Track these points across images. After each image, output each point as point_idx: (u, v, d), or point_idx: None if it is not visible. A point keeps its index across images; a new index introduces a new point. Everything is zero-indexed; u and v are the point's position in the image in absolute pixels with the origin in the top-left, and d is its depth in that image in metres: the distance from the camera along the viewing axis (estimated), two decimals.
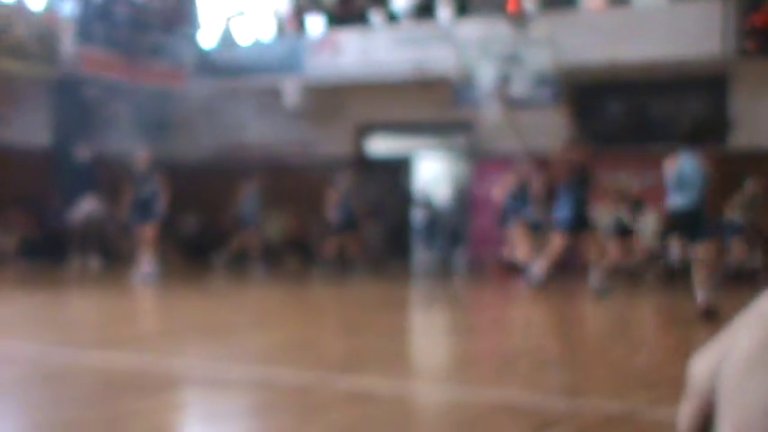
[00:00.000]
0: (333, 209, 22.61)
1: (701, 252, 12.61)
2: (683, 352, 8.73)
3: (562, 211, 15.72)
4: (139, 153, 19.90)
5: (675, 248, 17.88)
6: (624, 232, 18.73)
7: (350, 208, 22.73)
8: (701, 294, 12.16)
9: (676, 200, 12.62)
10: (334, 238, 22.79)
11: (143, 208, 19.02)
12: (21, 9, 24.01)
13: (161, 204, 19.36)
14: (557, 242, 15.76)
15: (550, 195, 16.87)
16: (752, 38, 20.85)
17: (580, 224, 15.66)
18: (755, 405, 1.04)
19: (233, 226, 24.22)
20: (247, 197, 23.14)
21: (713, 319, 11.73)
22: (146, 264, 18.17)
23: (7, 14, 23.26)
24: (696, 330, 11.30)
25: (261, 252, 22.81)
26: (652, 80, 22.83)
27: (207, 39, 27.85)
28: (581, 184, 15.69)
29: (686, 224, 12.66)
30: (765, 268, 19.08)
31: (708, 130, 13.00)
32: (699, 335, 10.49)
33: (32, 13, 24.23)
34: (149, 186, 19.19)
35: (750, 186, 18.85)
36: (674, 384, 6.59)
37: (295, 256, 26.02)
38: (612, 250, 16.22)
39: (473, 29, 23.59)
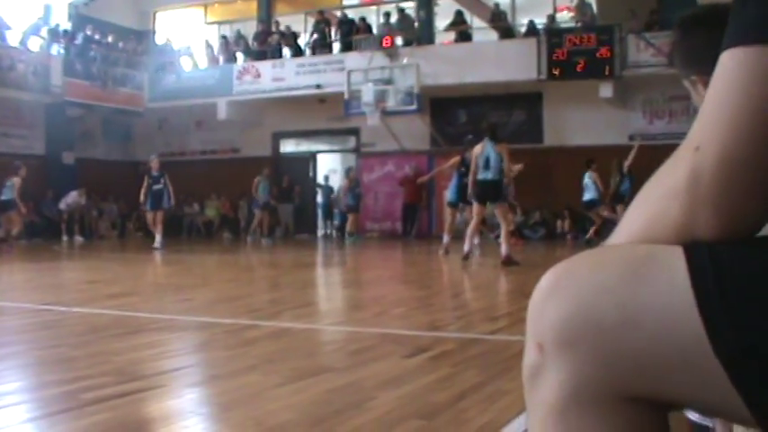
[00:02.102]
0: (255, 192, 22.79)
1: (500, 211, 13.46)
2: (517, 293, 8.85)
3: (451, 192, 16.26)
4: (152, 158, 19.86)
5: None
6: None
7: (267, 191, 22.88)
8: (504, 246, 12.99)
9: (485, 174, 13.10)
10: (258, 214, 22.80)
11: (156, 199, 19.37)
12: (22, 51, 23.77)
13: (170, 196, 19.97)
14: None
15: None
16: (556, 67, 21.23)
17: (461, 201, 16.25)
18: (549, 325, 1.07)
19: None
20: (259, 186, 22.86)
21: (512, 265, 12.56)
22: (159, 238, 19.03)
23: (11, 55, 22.94)
24: (528, 276, 11.42)
25: (268, 227, 22.91)
26: (488, 96, 23.05)
27: (159, 69, 27.45)
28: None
29: (490, 192, 13.22)
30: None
31: (497, 128, 13.61)
32: (530, 280, 10.57)
33: (31, 54, 23.94)
34: (160, 183, 19.33)
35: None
36: (510, 318, 6.67)
37: (227, 230, 25.93)
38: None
39: (358, 59, 23.62)
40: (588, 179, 18.70)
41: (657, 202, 1.10)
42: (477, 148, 13.44)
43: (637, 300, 1.03)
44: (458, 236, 16.01)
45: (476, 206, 13.76)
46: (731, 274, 1.00)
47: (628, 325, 1.03)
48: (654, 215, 1.10)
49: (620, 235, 1.16)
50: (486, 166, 13.12)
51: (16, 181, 19.43)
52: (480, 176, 13.23)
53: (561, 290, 1.09)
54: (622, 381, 1.05)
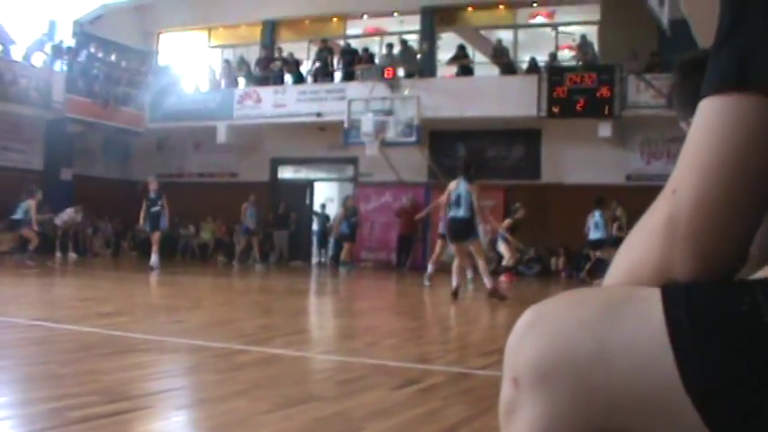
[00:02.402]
0: (243, 218, 22.70)
1: (474, 248, 13.43)
2: (508, 329, 8.83)
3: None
4: (151, 179, 19.52)
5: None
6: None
7: (254, 217, 22.72)
8: (486, 280, 12.98)
9: (456, 212, 13.09)
10: (243, 240, 22.70)
11: (153, 220, 19.10)
12: (25, 66, 23.85)
13: (167, 218, 19.77)
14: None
15: None
16: (557, 104, 21.33)
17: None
18: (525, 360, 1.09)
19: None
20: (246, 211, 22.71)
21: (498, 298, 12.73)
22: (155, 258, 18.69)
23: (14, 70, 23.01)
24: (521, 311, 11.40)
25: (260, 252, 22.38)
26: (488, 131, 23.13)
27: (160, 90, 27.54)
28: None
29: (461, 229, 13.14)
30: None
31: (472, 167, 13.50)
32: (520, 315, 10.55)
33: (33, 69, 24.02)
34: (158, 205, 19.03)
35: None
36: (500, 353, 6.65)
37: (222, 253, 25.90)
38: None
39: (359, 88, 23.71)
40: (599, 218, 18.46)
41: (639, 244, 1.12)
42: (452, 185, 13.41)
43: (612, 337, 1.05)
44: (445, 268, 16.00)
45: (453, 246, 13.72)
46: (705, 315, 1.02)
47: (602, 361, 1.05)
48: (636, 258, 1.13)
49: (608, 278, 1.18)
50: (458, 203, 13.09)
51: (31, 204, 19.53)
52: (451, 214, 13.24)
53: (539, 326, 1.12)
54: (596, 416, 1.07)
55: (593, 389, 1.05)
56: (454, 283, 13.31)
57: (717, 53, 1.05)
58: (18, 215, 19.82)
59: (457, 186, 13.22)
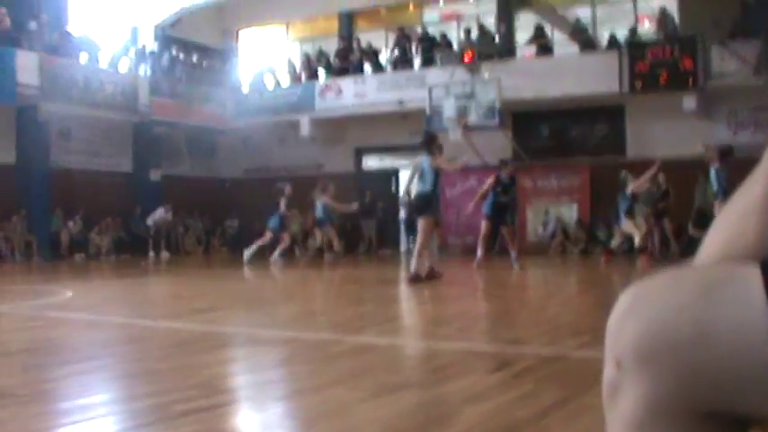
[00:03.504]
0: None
1: (422, 224, 13.02)
2: (601, 309, 8.74)
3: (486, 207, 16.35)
4: (286, 186, 21.32)
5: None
6: None
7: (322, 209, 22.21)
8: (414, 262, 12.96)
9: (422, 186, 12.94)
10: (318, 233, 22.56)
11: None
12: (111, 72, 24.33)
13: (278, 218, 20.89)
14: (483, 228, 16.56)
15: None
16: (638, 79, 20.99)
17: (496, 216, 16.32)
18: (627, 342, 1.09)
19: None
20: (320, 204, 22.55)
21: (423, 281, 12.66)
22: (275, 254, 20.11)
23: (101, 77, 23.50)
24: (614, 292, 11.30)
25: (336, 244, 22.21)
26: (570, 110, 22.90)
27: (243, 88, 27.88)
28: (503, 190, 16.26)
29: (420, 204, 12.96)
30: None
31: (433, 140, 13.25)
32: (615, 296, 10.45)
33: (118, 75, 24.50)
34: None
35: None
36: (594, 332, 6.61)
37: (310, 246, 26.05)
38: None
39: (439, 74, 23.68)
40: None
41: (735, 222, 1.10)
42: (416, 160, 13.48)
43: (712, 318, 1.04)
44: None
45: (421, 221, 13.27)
46: None
47: (703, 342, 1.04)
48: (732, 235, 1.11)
49: (701, 255, 1.17)
50: (422, 178, 12.98)
51: (325, 199, 20.93)
52: (417, 189, 13.20)
53: (638, 309, 1.11)
54: (698, 397, 1.06)
55: (696, 371, 1.05)
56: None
57: None
58: (318, 213, 21.16)
59: (420, 162, 13.21)
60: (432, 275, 13.01)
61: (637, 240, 16.89)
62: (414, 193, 13.43)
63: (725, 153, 16.10)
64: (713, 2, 20.95)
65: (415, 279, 12.66)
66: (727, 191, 15.11)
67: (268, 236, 20.93)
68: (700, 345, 1.04)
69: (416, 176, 13.20)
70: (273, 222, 21.03)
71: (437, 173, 12.90)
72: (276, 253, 20.73)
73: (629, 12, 23.73)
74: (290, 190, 20.98)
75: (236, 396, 4.58)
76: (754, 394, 1.03)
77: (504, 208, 16.21)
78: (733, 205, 1.14)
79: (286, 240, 21.21)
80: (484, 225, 16.48)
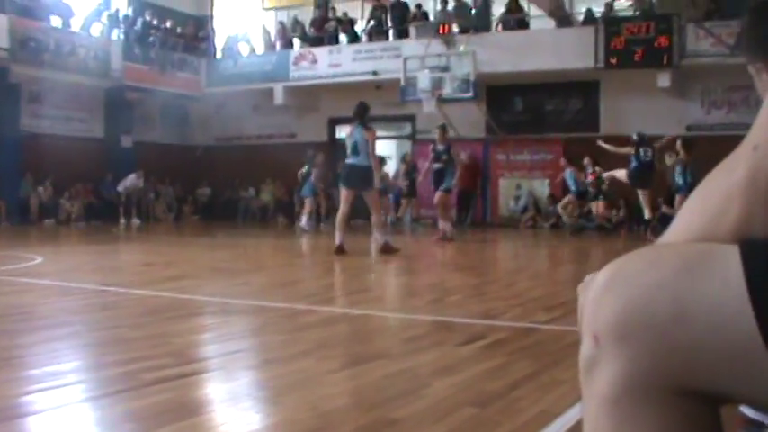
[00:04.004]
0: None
1: (370, 199, 13.01)
2: (572, 283, 8.79)
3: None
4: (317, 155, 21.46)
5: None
6: None
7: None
8: (377, 234, 13.18)
9: (353, 159, 12.74)
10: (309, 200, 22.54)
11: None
12: (83, 36, 24.10)
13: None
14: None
15: None
16: (614, 55, 21.03)
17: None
18: (605, 318, 1.09)
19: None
20: (308, 174, 22.43)
21: (391, 252, 12.66)
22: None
23: (73, 40, 23.26)
24: (585, 267, 11.38)
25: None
26: (545, 84, 22.92)
27: (216, 55, 27.73)
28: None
29: (359, 177, 12.69)
30: None
31: (366, 110, 13.17)
32: (587, 271, 10.51)
33: (91, 39, 24.28)
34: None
35: None
36: (565, 307, 6.66)
37: (282, 215, 26.03)
38: None
39: (414, 46, 23.60)
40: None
41: (716, 201, 1.11)
42: (348, 130, 13.19)
43: (691, 295, 1.05)
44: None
45: (343, 192, 13.21)
46: None
47: (681, 320, 1.05)
48: (712, 214, 1.11)
49: (677, 233, 1.17)
50: (355, 150, 12.75)
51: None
52: (348, 161, 12.90)
53: (617, 285, 1.12)
54: (674, 374, 1.07)
55: (673, 348, 1.06)
56: (338, 240, 12.83)
57: None
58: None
59: (352, 133, 12.97)
60: (388, 249, 12.97)
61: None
62: (346, 165, 13.00)
63: (688, 146, 16.24)
64: None
65: (386, 248, 12.70)
66: (691, 184, 15.29)
67: (308, 203, 21.79)
68: (677, 323, 1.05)
69: (348, 148, 12.90)
70: (306, 190, 21.95)
71: (368, 144, 12.79)
72: (304, 219, 21.24)
73: None
74: (322, 158, 22.16)
75: (207, 365, 4.59)
76: (729, 372, 1.04)
77: (439, 174, 16.21)
78: (710, 185, 1.14)
79: (311, 205, 21.88)
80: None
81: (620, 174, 17.20)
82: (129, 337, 5.27)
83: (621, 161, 17.52)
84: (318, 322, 6.07)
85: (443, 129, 16.86)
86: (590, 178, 19.72)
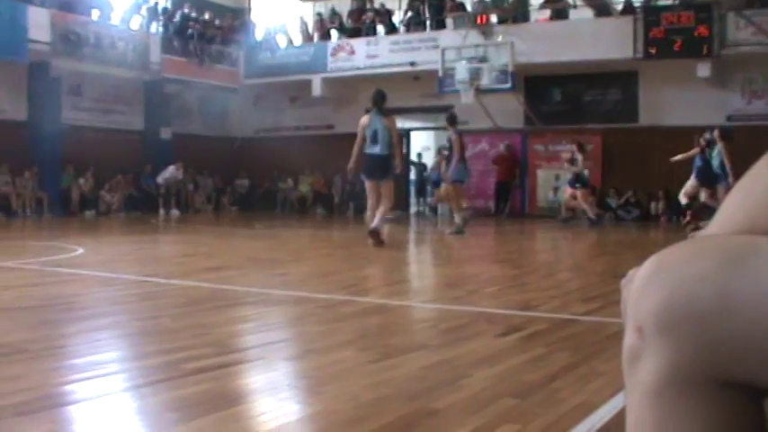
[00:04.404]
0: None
1: (385, 189, 12.53)
2: (610, 275, 8.76)
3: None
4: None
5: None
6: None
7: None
8: (377, 220, 12.36)
9: (373, 149, 12.40)
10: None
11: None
12: (123, 29, 24.28)
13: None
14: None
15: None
16: (653, 45, 20.86)
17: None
18: (649, 310, 1.10)
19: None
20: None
21: (377, 241, 12.16)
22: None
23: (112, 34, 23.44)
24: (622, 258, 11.33)
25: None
26: (583, 74, 22.81)
27: (255, 47, 27.80)
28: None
29: (378, 167, 12.40)
30: None
31: (384, 99, 12.83)
32: (624, 262, 10.49)
33: (130, 32, 24.45)
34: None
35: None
36: (603, 299, 6.63)
37: (321, 206, 26.11)
38: None
39: (452, 37, 23.56)
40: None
41: (759, 193, 1.11)
42: (365, 119, 12.74)
43: (735, 288, 1.05)
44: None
45: (367, 183, 12.87)
46: None
47: (725, 312, 1.05)
48: (755, 207, 1.11)
49: (720, 225, 1.17)
50: (374, 139, 12.43)
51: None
52: (368, 151, 12.54)
53: (661, 276, 1.12)
54: (718, 366, 1.07)
55: (717, 340, 1.06)
56: (375, 222, 12.44)
57: None
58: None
59: (371, 122, 12.60)
60: (374, 235, 12.52)
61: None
62: (366, 155, 12.60)
63: (725, 136, 16.09)
64: None
65: (375, 235, 12.27)
66: (723, 174, 15.27)
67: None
68: (722, 315, 1.05)
69: (368, 138, 12.53)
70: None
71: (390, 133, 12.54)
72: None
73: None
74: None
75: (248, 355, 4.61)
76: None
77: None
78: (754, 176, 1.14)
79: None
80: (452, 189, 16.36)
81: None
82: (169, 328, 5.31)
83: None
84: (357, 313, 6.08)
85: (447, 118, 16.52)
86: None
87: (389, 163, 12.56)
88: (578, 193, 19.43)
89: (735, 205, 1.16)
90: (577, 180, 19.50)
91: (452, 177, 15.86)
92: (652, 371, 1.12)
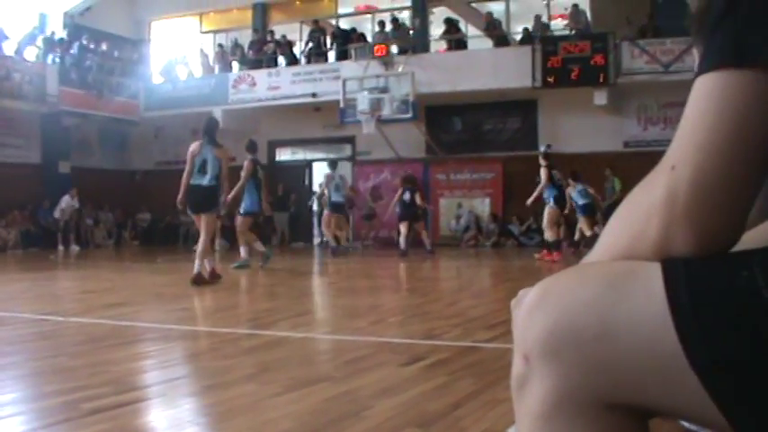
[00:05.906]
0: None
1: (205, 222, 11.81)
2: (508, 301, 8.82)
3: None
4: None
5: None
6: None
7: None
8: (197, 263, 11.65)
9: (200, 180, 11.64)
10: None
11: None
12: (18, 60, 23.82)
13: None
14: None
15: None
16: (551, 74, 21.30)
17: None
18: (534, 337, 1.13)
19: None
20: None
21: (203, 284, 11.49)
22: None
23: (7, 65, 22.99)
24: (524, 285, 11.43)
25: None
26: (483, 103, 23.14)
27: (154, 78, 27.54)
28: None
29: (204, 198, 11.72)
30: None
31: (215, 126, 12.08)
32: (523, 287, 10.55)
33: (26, 63, 24.00)
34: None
35: None
36: (506, 325, 6.69)
37: (224, 239, 25.86)
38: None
39: (353, 67, 23.69)
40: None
41: (637, 220, 1.14)
42: (194, 147, 11.81)
43: (615, 313, 1.08)
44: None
45: (194, 217, 12.25)
46: (705, 289, 1.05)
47: (607, 337, 1.08)
48: (634, 234, 1.15)
49: (602, 252, 1.21)
50: (203, 169, 11.66)
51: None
52: (195, 182, 11.70)
53: (546, 304, 1.15)
54: (603, 390, 1.11)
55: (600, 365, 1.09)
56: (196, 267, 11.71)
57: (712, 34, 1.08)
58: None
59: (200, 150, 11.75)
60: (213, 276, 11.94)
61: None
62: (193, 186, 11.75)
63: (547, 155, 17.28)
64: (624, 0, 21.37)
65: (198, 280, 11.53)
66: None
67: None
68: (603, 340, 1.08)
69: (196, 167, 11.71)
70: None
71: (220, 165, 11.72)
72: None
73: (542, 7, 24.02)
74: None
75: (148, 393, 4.55)
76: (655, 386, 1.08)
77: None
78: (631, 204, 1.17)
79: None
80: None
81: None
82: (68, 367, 5.20)
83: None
84: (259, 346, 6.05)
85: (246, 145, 15.99)
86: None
87: (216, 195, 11.80)
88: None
89: (615, 232, 1.20)
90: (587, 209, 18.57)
91: (245, 209, 15.18)
92: (539, 397, 1.14)
